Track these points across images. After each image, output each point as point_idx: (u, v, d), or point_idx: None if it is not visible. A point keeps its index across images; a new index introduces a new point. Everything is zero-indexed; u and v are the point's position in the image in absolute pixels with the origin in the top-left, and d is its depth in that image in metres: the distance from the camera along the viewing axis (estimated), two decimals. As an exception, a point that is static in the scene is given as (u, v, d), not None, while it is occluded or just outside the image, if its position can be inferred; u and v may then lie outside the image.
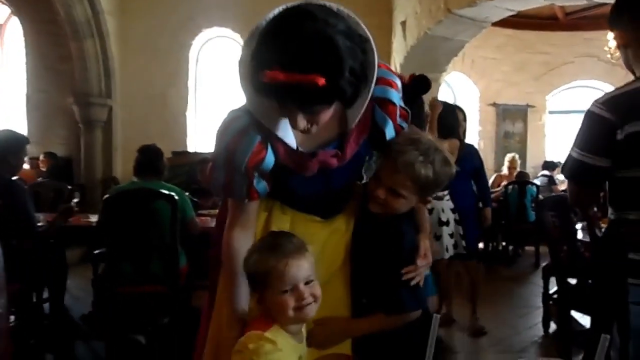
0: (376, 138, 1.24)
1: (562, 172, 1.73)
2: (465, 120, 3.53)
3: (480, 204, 3.56)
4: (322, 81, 0.92)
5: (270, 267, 1.05)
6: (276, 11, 1.00)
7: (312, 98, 0.96)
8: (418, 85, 2.19)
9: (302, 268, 1.06)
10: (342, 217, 1.34)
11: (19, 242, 2.76)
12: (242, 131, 1.12)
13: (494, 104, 8.01)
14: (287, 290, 1.05)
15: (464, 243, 3.24)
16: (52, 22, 6.17)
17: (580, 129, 1.52)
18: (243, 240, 1.21)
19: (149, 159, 3.10)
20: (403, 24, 5.62)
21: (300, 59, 0.92)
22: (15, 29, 6.92)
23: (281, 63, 0.92)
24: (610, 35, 6.11)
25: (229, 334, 1.16)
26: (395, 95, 1.23)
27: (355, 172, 1.33)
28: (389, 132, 1.24)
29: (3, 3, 6.62)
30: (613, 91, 1.52)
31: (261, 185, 1.19)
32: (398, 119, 1.26)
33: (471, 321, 3.47)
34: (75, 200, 3.86)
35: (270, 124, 1.12)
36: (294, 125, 1.07)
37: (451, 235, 3.20)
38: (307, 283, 1.06)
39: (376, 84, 1.12)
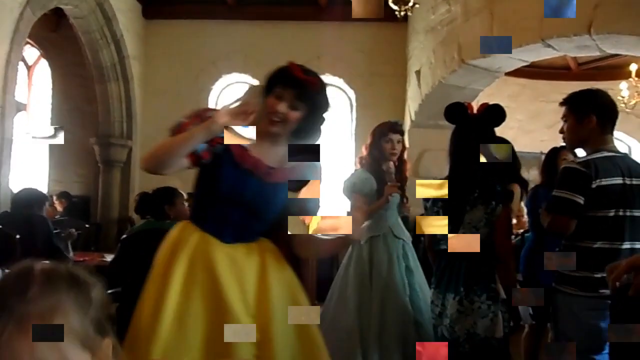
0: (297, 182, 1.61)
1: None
2: None
3: None
4: (316, 81, 1.60)
5: None
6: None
7: (303, 85, 1.57)
8: (491, 116, 2.03)
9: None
10: (257, 246, 1.62)
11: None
12: None
13: (508, 152, 8.03)
14: None
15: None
16: (80, 65, 6.39)
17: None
18: None
19: (159, 200, 3.15)
20: (417, 72, 5.75)
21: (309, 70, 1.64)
22: (43, 70, 7.20)
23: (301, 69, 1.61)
24: (624, 84, 6.20)
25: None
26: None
27: (278, 200, 1.63)
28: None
29: (33, 45, 6.88)
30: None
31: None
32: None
33: None
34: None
35: None
36: (276, 105, 1.57)
37: None
38: None
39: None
